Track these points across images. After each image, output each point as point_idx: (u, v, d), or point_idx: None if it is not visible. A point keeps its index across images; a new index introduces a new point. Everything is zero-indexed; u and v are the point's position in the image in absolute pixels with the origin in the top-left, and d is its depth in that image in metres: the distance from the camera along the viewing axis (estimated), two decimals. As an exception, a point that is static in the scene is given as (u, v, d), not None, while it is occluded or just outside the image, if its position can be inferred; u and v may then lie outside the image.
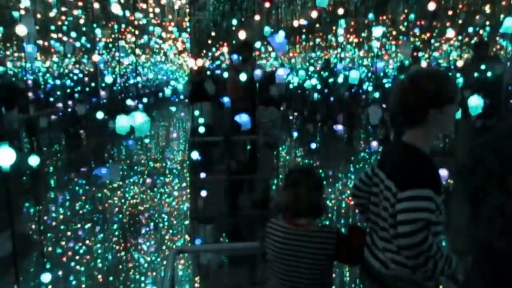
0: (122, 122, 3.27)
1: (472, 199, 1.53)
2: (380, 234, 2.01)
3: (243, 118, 5.39)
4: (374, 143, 6.83)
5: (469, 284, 1.55)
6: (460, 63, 9.76)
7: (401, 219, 1.80)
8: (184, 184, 10.31)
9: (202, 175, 6.35)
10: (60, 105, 13.41)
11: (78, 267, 7.38)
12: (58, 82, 15.82)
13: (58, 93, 15.37)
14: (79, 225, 8.46)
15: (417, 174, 1.85)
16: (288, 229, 2.05)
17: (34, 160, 4.22)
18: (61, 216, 8.76)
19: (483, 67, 7.52)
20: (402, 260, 1.88)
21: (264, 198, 6.82)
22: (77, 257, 7.53)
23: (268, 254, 2.10)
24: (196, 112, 6.69)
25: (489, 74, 7.37)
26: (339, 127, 8.98)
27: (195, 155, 6.13)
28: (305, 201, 2.08)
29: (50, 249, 7.45)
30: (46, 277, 4.97)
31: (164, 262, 7.76)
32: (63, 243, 7.82)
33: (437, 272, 1.81)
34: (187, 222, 8.22)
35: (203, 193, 6.11)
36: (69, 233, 8.14)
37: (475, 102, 3.98)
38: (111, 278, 7.40)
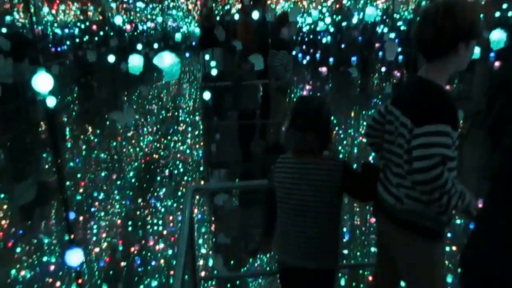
0: (135, 62, 3.15)
1: (492, 129, 1.49)
2: (394, 170, 1.99)
3: (255, 58, 5.29)
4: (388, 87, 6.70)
5: (486, 217, 1.54)
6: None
7: (417, 154, 1.78)
8: (196, 132, 10.38)
9: (215, 120, 6.35)
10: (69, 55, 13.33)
11: (97, 213, 7.63)
12: (66, 31, 15.63)
13: (68, 43, 15.23)
14: (95, 173, 8.65)
15: (435, 109, 1.81)
16: (296, 161, 2.03)
17: (50, 101, 4.17)
18: (78, 165, 8.95)
19: (505, 5, 7.17)
20: (417, 196, 1.88)
21: (276, 142, 6.83)
22: (96, 204, 7.77)
23: (278, 191, 2.09)
24: (207, 57, 6.58)
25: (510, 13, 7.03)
26: (351, 70, 8.79)
27: (207, 95, 6.08)
28: (313, 142, 2.05)
29: (69, 196, 7.68)
30: (67, 223, 5.14)
31: (181, 207, 8.00)
32: (81, 190, 8.04)
33: (451, 207, 1.81)
34: (201, 168, 8.35)
35: (216, 138, 6.14)
36: (86, 181, 8.35)
37: (498, 36, 3.80)
38: (129, 222, 7.67)
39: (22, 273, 6.41)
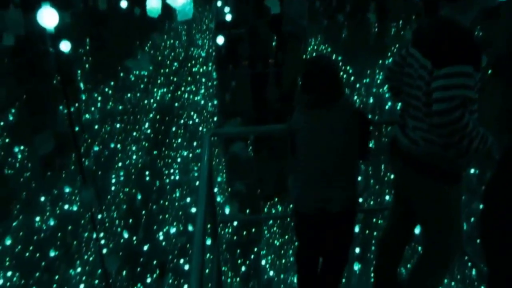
0: (153, 4, 3.05)
1: None
2: (412, 113, 1.95)
3: (271, 1, 5.12)
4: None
5: (508, 160, 1.51)
6: None
7: (436, 96, 1.72)
8: (210, 83, 10.30)
9: (229, 69, 6.27)
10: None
11: (113, 164, 7.77)
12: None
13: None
14: (111, 125, 8.73)
15: (457, 49, 1.73)
16: (313, 112, 2.02)
17: (65, 46, 4.13)
18: (94, 117, 9.03)
19: None
20: (433, 138, 1.84)
21: (291, 90, 6.74)
22: (112, 155, 7.89)
23: (299, 137, 2.08)
24: (219, 3, 6.40)
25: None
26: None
27: (220, 40, 5.95)
28: (326, 100, 2.03)
29: (86, 147, 7.80)
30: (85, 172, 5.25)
31: (196, 157, 8.09)
32: (97, 142, 8.14)
33: (472, 150, 1.77)
34: (215, 118, 8.36)
35: (231, 87, 6.08)
36: (102, 133, 8.44)
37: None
38: (147, 172, 7.82)
39: (46, 221, 6.67)
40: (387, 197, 6.63)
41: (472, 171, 7.24)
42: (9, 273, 5.94)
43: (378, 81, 9.38)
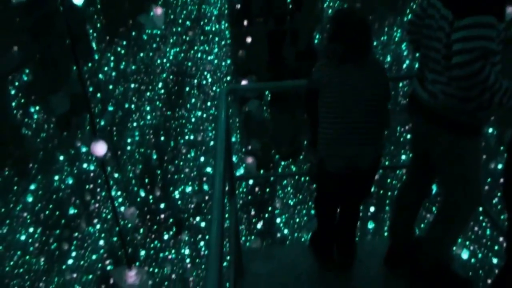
0: None
1: None
2: (431, 66, 1.88)
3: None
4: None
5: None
6: None
7: (457, 48, 1.64)
8: (223, 42, 10.13)
9: (244, 26, 6.12)
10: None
11: (128, 124, 7.80)
12: None
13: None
14: (125, 86, 8.69)
15: None
16: (341, 67, 1.96)
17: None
18: (107, 77, 9.00)
19: None
20: (452, 92, 1.77)
21: (308, 48, 6.59)
22: (126, 115, 7.90)
23: (325, 93, 2.02)
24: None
25: None
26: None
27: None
28: (358, 51, 1.96)
29: (99, 108, 7.81)
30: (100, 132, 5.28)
31: (210, 117, 8.07)
32: (111, 103, 8.12)
33: (495, 103, 1.70)
34: (229, 78, 8.26)
35: (245, 45, 5.95)
36: (116, 93, 8.41)
37: None
38: (161, 132, 7.86)
39: (64, 180, 6.79)
40: (403, 157, 6.58)
41: (490, 130, 7.12)
42: (31, 229, 6.13)
43: (396, 39, 9.13)
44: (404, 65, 7.87)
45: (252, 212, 6.75)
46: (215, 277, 0.96)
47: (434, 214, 2.12)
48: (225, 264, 2.64)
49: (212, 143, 8.68)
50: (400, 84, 6.53)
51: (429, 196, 2.31)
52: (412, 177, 2.22)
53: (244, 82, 6.09)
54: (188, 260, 7.36)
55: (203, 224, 6.97)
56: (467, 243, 5.75)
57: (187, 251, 7.42)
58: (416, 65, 2.20)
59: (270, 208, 7.02)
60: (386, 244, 2.13)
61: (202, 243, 7.28)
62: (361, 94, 1.99)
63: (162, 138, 7.60)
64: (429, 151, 2.01)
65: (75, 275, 6.52)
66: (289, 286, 2.01)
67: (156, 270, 7.39)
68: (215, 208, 1.19)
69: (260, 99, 5.55)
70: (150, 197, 7.32)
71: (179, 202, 7.40)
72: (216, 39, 10.61)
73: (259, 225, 6.48)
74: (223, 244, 1.11)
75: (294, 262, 2.18)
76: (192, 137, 7.27)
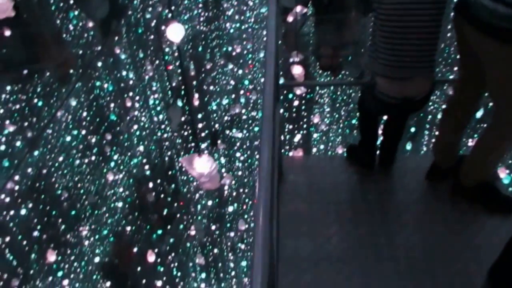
0: None
1: None
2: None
3: None
4: None
5: None
6: None
7: None
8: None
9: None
10: None
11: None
12: None
13: None
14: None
15: None
16: None
17: None
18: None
19: None
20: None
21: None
22: (163, 23, 7.75)
23: (388, 15, 1.89)
24: None
25: None
26: None
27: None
28: None
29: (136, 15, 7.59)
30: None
31: (249, 30, 7.76)
32: (149, 9, 7.93)
33: None
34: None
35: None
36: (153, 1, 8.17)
37: None
38: (200, 43, 7.74)
39: (105, 85, 6.90)
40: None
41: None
42: (75, 132, 6.37)
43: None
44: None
45: (289, 127, 6.75)
46: (268, 168, 0.94)
47: (481, 132, 2.04)
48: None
49: (250, 55, 8.47)
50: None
51: (477, 110, 2.20)
52: (461, 92, 2.11)
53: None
54: (223, 170, 7.59)
55: (240, 135, 7.06)
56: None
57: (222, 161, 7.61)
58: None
59: (305, 125, 7.00)
60: (427, 162, 2.08)
61: (238, 154, 7.44)
62: (420, 14, 1.85)
63: (200, 49, 7.50)
64: (481, 61, 1.88)
65: (116, 177, 6.87)
66: (327, 193, 2.02)
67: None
68: (266, 107, 1.17)
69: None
70: (187, 108, 7.41)
71: (215, 114, 7.47)
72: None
73: (296, 139, 6.52)
74: (274, 142, 1.09)
75: (333, 172, 2.18)
76: (229, 49, 7.13)
